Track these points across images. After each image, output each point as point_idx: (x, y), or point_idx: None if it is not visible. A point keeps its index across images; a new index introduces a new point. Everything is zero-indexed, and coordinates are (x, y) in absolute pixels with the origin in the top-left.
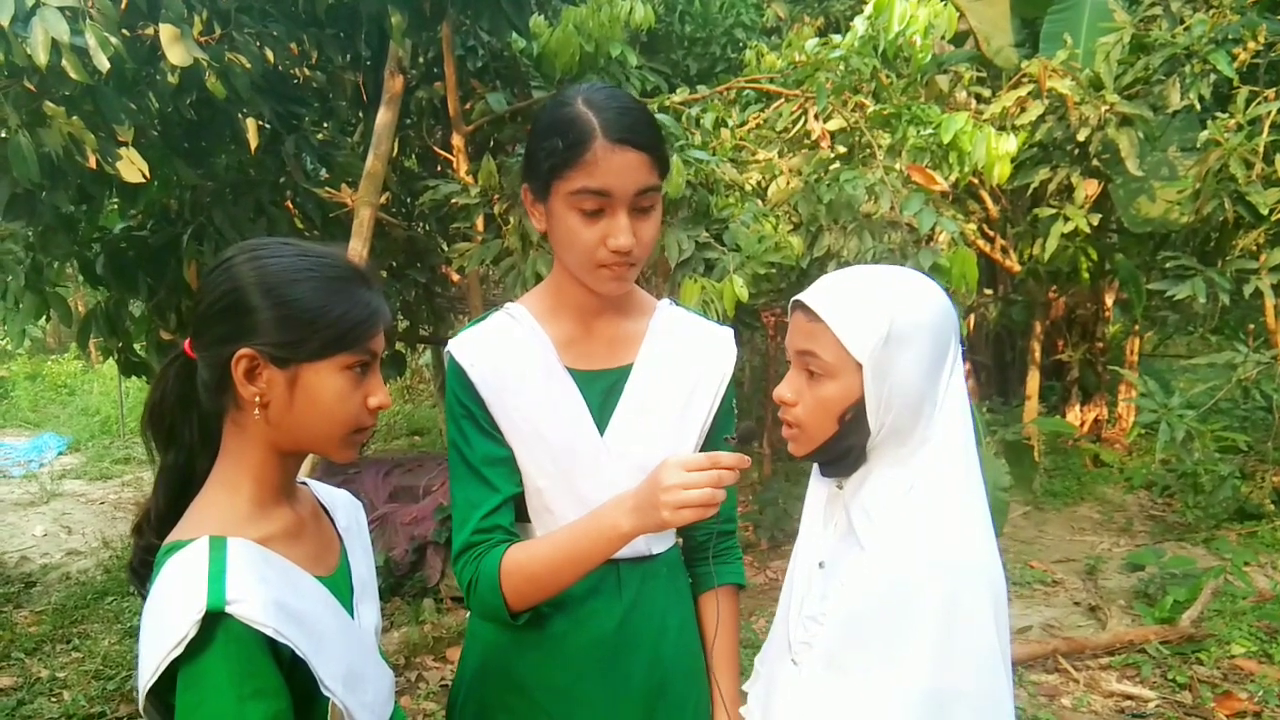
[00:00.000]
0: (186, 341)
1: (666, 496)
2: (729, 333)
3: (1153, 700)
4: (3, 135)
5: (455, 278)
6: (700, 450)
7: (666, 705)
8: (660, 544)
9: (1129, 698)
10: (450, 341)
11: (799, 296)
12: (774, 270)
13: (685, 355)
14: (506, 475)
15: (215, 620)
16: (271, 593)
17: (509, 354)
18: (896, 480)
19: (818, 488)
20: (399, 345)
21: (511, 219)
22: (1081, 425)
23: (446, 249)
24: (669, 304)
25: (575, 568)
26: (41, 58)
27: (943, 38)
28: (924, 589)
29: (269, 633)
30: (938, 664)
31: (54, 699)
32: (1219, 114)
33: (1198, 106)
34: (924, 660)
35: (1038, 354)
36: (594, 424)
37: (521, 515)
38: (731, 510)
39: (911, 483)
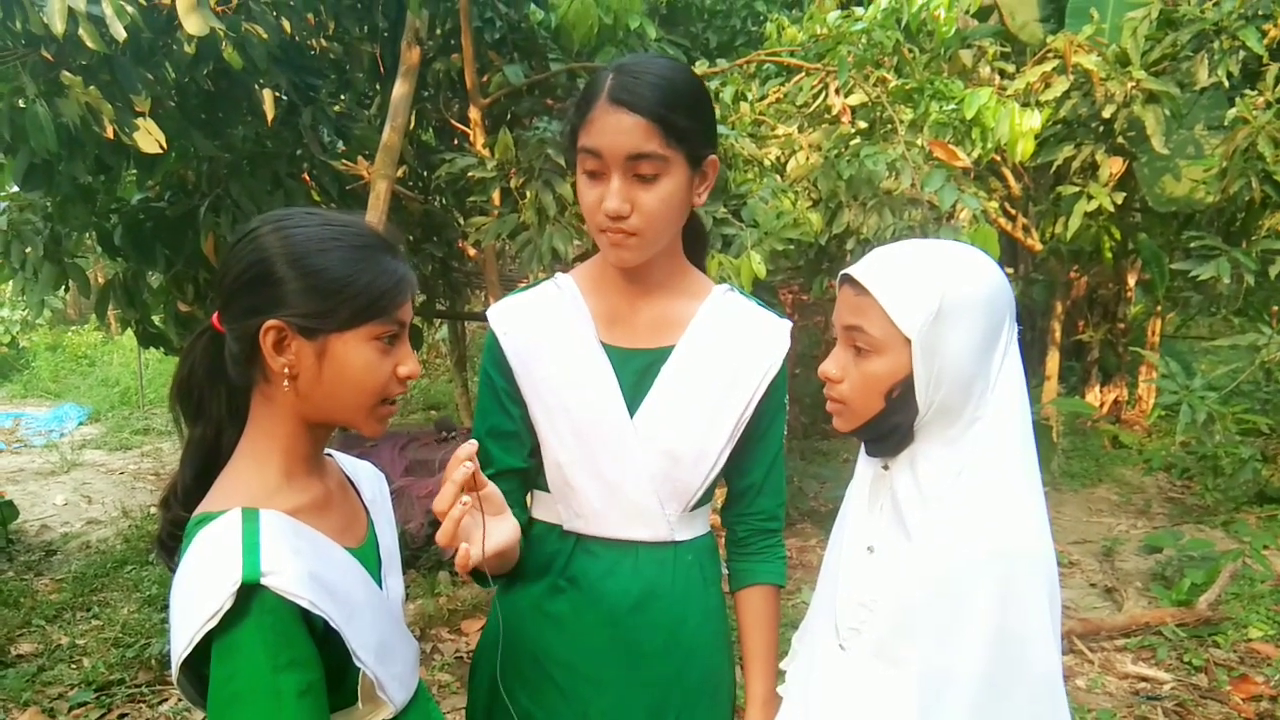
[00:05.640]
0: (214, 315)
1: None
2: (785, 325)
3: (1168, 683)
4: (20, 105)
5: (472, 252)
6: (735, 442)
7: (683, 694)
8: (685, 531)
9: (1144, 679)
10: (491, 308)
11: (847, 270)
12: (792, 247)
13: (732, 343)
14: (509, 449)
15: (250, 592)
16: (305, 564)
17: (545, 324)
18: (946, 461)
19: (864, 468)
20: (416, 320)
21: (528, 193)
22: (1101, 406)
23: (463, 223)
24: (727, 289)
25: None
26: (58, 26)
27: (967, 12)
28: (978, 578)
29: (304, 604)
30: (993, 652)
31: (74, 666)
32: (1248, 91)
33: (1226, 83)
34: (979, 648)
35: (1058, 334)
36: (624, 404)
37: (543, 486)
38: (775, 509)
39: (962, 465)
